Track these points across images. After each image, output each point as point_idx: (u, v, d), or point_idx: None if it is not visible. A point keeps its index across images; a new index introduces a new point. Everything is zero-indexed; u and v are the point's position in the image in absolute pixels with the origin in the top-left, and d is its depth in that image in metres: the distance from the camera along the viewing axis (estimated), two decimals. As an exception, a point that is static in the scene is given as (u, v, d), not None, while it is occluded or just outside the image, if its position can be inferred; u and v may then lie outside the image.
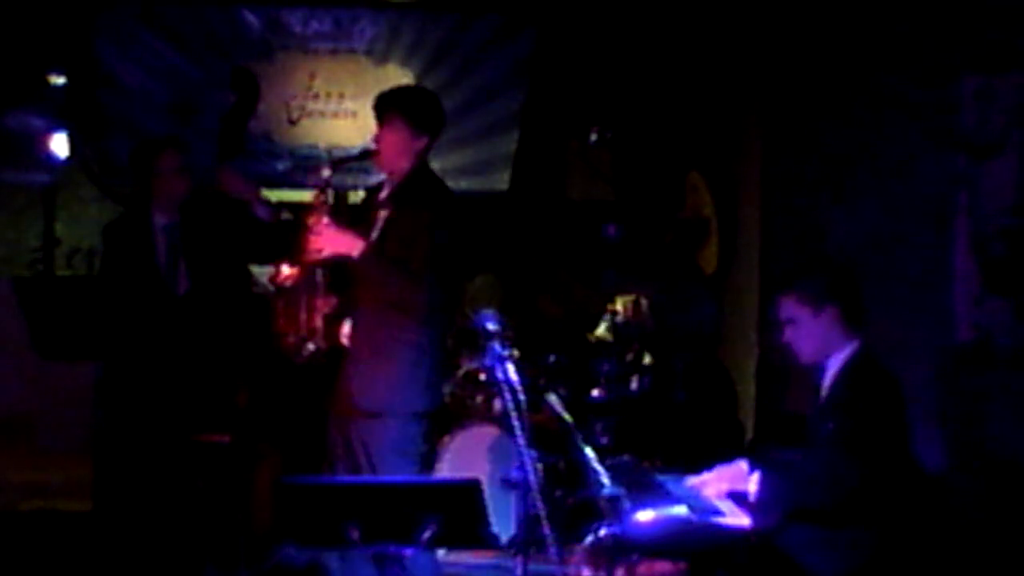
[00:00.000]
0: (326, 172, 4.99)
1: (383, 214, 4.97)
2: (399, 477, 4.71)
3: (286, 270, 4.98)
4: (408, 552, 3.71)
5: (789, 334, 4.37)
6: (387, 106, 4.96)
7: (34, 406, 8.18)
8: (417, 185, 4.95)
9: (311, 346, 4.96)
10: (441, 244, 4.84)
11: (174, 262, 5.59)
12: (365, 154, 5.05)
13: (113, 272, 5.65)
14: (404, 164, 4.96)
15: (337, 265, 4.93)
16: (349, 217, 5.16)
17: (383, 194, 5.04)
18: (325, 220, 4.88)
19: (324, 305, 4.98)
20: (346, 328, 5.00)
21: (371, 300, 4.90)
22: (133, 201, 5.92)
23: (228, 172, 5.72)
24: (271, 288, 5.20)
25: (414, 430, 4.92)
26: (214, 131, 8.12)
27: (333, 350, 5.02)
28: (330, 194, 5.01)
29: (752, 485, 4.29)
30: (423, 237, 4.81)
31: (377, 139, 4.97)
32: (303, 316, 4.96)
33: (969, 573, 5.15)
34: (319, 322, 4.96)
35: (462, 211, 5.02)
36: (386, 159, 4.97)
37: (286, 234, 5.28)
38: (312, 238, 4.88)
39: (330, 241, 4.87)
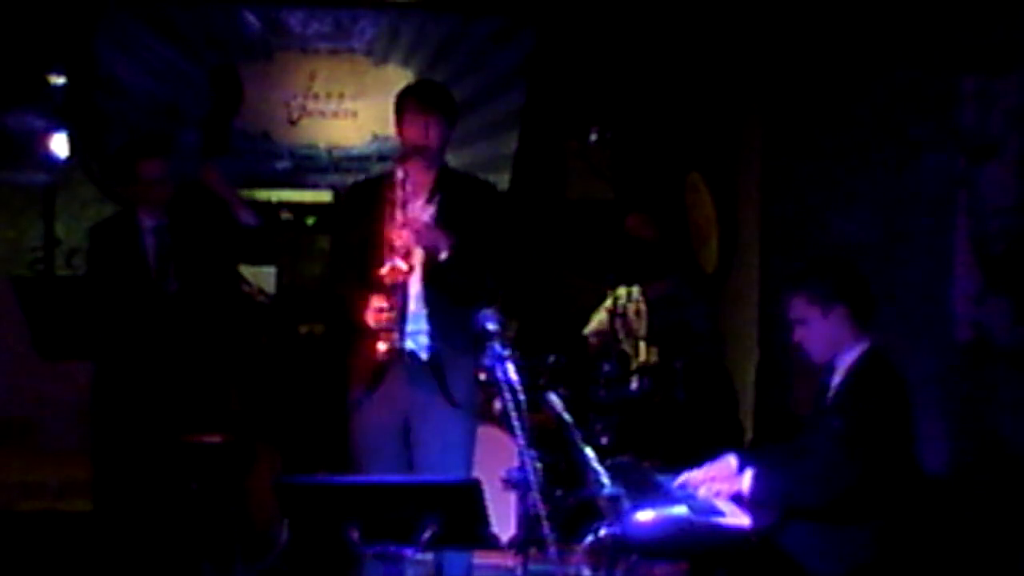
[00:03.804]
0: (400, 173, 4.90)
1: (429, 210, 4.95)
2: (399, 477, 4.72)
3: (402, 266, 4.83)
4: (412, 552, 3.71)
5: (799, 334, 4.38)
6: (447, 101, 5.03)
7: (34, 406, 8.17)
8: (452, 180, 5.02)
9: (385, 346, 4.84)
10: (501, 234, 4.92)
11: (164, 262, 5.60)
12: (419, 149, 4.96)
13: (100, 273, 5.65)
14: (441, 159, 5.05)
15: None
16: (338, 217, 5.14)
17: (402, 191, 4.90)
18: (410, 216, 4.85)
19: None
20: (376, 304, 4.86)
21: (443, 297, 4.90)
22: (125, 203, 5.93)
23: (211, 171, 5.70)
24: (269, 296, 5.09)
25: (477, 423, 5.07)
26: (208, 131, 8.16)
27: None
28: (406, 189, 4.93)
29: (744, 482, 4.30)
30: (488, 230, 4.90)
31: (428, 134, 4.94)
32: (386, 315, 4.85)
33: (968, 573, 5.16)
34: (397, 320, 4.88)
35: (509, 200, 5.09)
36: (436, 154, 5.01)
37: (278, 236, 5.24)
38: (409, 231, 4.82)
39: (425, 236, 4.85)
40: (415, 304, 4.92)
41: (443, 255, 4.85)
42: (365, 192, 5.15)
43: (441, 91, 5.13)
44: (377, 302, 4.80)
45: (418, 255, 4.88)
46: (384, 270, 4.80)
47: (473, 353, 4.79)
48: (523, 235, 5.05)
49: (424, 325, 4.92)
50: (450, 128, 5.01)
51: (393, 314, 4.80)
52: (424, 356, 4.93)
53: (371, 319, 4.81)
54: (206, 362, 5.61)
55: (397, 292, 4.81)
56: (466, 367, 4.93)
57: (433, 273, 4.88)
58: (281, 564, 5.91)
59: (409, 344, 4.91)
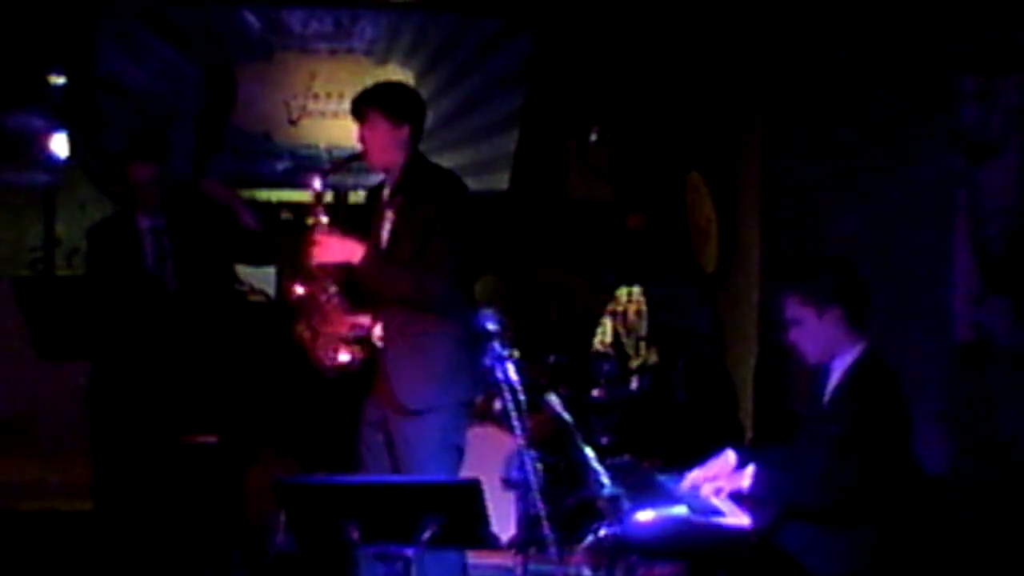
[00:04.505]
0: (317, 183, 5.00)
1: (389, 213, 4.98)
2: (399, 477, 4.71)
3: (299, 289, 4.96)
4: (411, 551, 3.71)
5: (794, 334, 4.36)
6: (362, 104, 4.98)
7: (34, 406, 8.17)
8: (417, 178, 4.95)
9: (342, 358, 4.94)
10: (454, 233, 4.85)
11: (161, 263, 5.60)
12: (353, 157, 5.08)
13: (98, 274, 5.66)
14: (395, 157, 4.96)
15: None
16: (350, 219, 5.16)
17: (385, 192, 5.04)
18: (324, 230, 4.91)
19: (344, 322, 4.96)
20: (377, 330, 4.96)
21: (394, 301, 4.89)
22: (123, 203, 5.94)
23: (210, 182, 5.73)
24: (269, 297, 5.17)
25: (458, 422, 4.96)
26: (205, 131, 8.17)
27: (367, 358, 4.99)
28: (325, 203, 5.01)
29: (745, 480, 4.30)
30: (435, 229, 4.83)
31: (361, 138, 4.97)
32: (327, 329, 4.95)
33: (969, 574, 5.15)
34: (345, 333, 4.94)
35: (468, 195, 5.03)
36: (374, 155, 4.97)
37: (280, 235, 5.28)
38: (313, 249, 4.90)
39: (330, 250, 4.89)
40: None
41: (356, 260, 4.86)
42: (371, 196, 5.25)
43: (363, 95, 5.04)
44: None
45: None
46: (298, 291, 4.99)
47: (426, 354, 4.81)
48: (473, 231, 5.01)
49: (378, 330, 4.97)
50: (383, 126, 4.92)
51: (313, 331, 4.97)
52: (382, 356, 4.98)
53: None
54: (203, 362, 5.61)
55: (309, 310, 4.98)
56: (414, 369, 4.88)
57: (351, 280, 4.94)
58: (279, 564, 5.91)
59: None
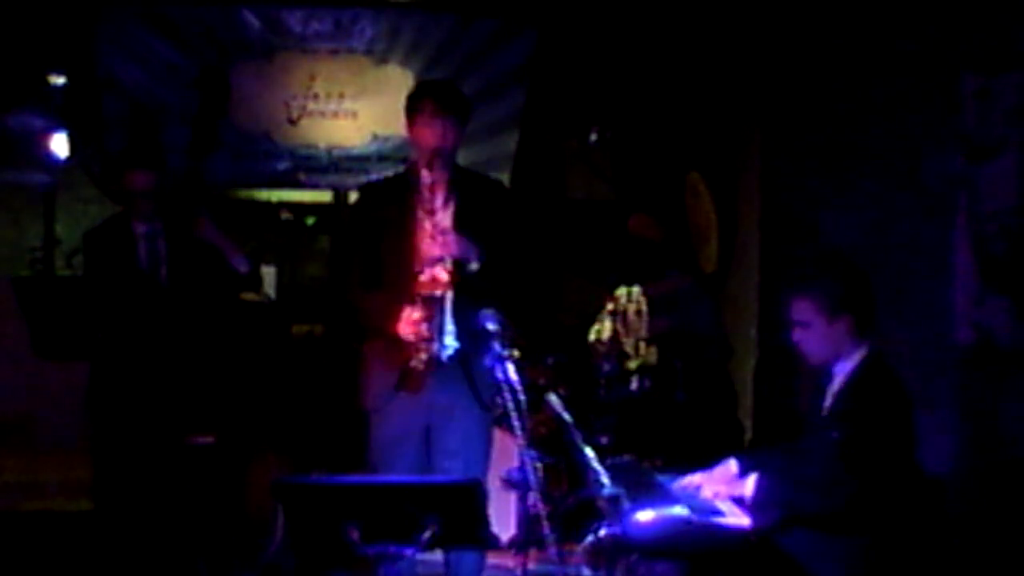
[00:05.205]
0: (427, 178, 4.82)
1: (443, 212, 4.84)
2: (398, 477, 4.71)
3: (444, 276, 4.76)
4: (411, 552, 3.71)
5: (799, 335, 4.35)
6: (462, 105, 4.94)
7: (34, 406, 8.17)
8: (467, 182, 4.95)
9: (424, 356, 4.77)
10: (514, 234, 4.88)
11: (156, 265, 5.61)
12: (437, 152, 4.85)
13: (96, 277, 5.67)
14: (454, 158, 4.95)
15: None
16: (349, 219, 5.12)
17: (423, 192, 4.85)
18: (442, 225, 4.78)
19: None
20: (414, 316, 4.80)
21: (468, 298, 4.77)
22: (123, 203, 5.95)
23: (204, 223, 5.70)
24: (268, 297, 5.08)
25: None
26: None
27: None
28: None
29: (747, 487, 4.29)
30: (504, 230, 4.86)
31: (445, 135, 4.83)
32: (424, 327, 4.77)
33: (969, 573, 5.16)
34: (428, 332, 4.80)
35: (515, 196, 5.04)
36: (451, 154, 4.91)
37: (278, 236, 5.23)
38: (441, 242, 4.76)
39: (459, 247, 4.78)
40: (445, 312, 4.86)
41: (473, 265, 4.77)
42: (379, 195, 5.07)
43: (457, 93, 5.01)
44: (413, 313, 4.72)
45: (448, 265, 4.78)
46: (424, 280, 4.74)
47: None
48: (530, 233, 4.99)
49: (452, 328, 4.82)
50: (464, 128, 4.93)
51: (430, 325, 4.73)
52: (447, 359, 4.82)
53: (407, 331, 4.73)
54: (201, 362, 5.62)
55: (435, 303, 4.75)
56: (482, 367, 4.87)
57: (463, 283, 4.79)
58: (277, 564, 5.91)
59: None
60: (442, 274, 4.74)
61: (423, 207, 4.81)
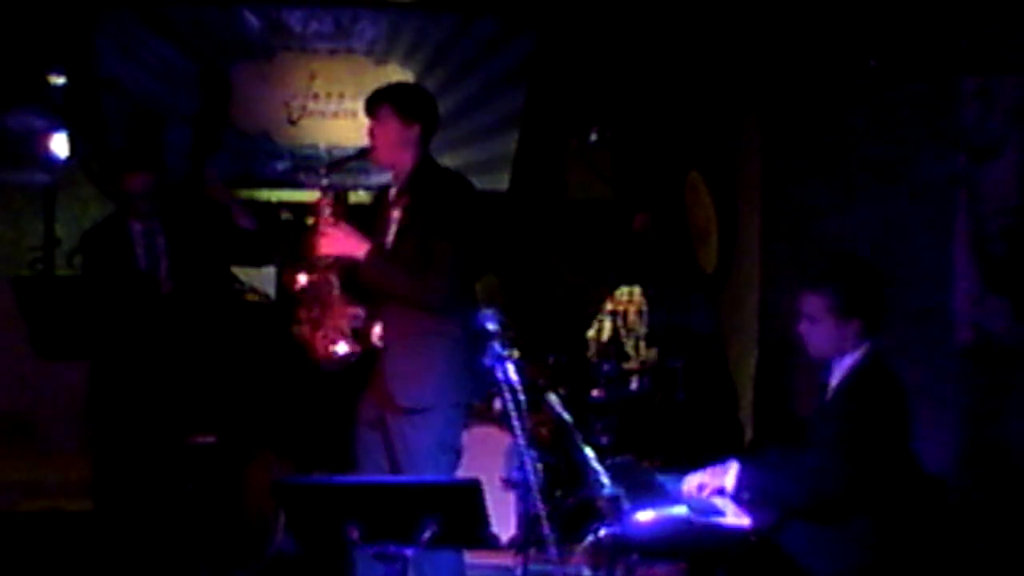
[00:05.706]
0: (324, 179, 5.03)
1: (396, 213, 4.98)
2: (398, 477, 4.72)
3: (302, 279, 4.96)
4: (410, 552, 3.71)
5: (805, 328, 4.37)
6: (375, 101, 5.01)
7: (34, 406, 8.17)
8: (425, 179, 4.97)
9: (341, 350, 4.93)
10: (460, 234, 4.87)
11: (155, 264, 5.62)
12: (362, 152, 5.08)
13: (95, 277, 5.68)
14: (403, 157, 4.99)
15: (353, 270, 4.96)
16: (349, 218, 5.16)
17: (392, 192, 5.05)
18: (330, 222, 4.92)
19: (344, 314, 4.97)
20: (377, 329, 4.98)
21: (393, 299, 4.90)
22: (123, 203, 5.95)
23: (213, 182, 5.78)
24: (268, 297, 5.18)
25: (455, 423, 4.97)
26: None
27: (365, 353, 4.99)
28: (332, 196, 5.03)
29: (728, 480, 4.30)
30: (440, 230, 4.84)
31: (371, 134, 4.99)
32: (327, 320, 4.94)
33: (971, 574, 5.16)
34: (345, 326, 4.95)
35: (476, 197, 5.05)
36: (382, 153, 5.00)
37: (279, 235, 5.30)
38: (319, 241, 4.90)
39: (335, 242, 4.90)
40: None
41: (359, 255, 4.87)
42: (381, 196, 5.26)
43: (377, 92, 5.07)
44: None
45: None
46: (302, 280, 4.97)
47: (425, 354, 4.82)
48: (482, 232, 5.04)
49: (377, 329, 4.97)
50: (394, 124, 4.96)
51: (314, 324, 4.96)
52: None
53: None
54: (201, 362, 5.62)
55: (310, 301, 4.96)
56: (412, 368, 4.89)
57: (351, 275, 4.95)
58: (277, 564, 5.92)
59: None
60: (300, 277, 4.99)
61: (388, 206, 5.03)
